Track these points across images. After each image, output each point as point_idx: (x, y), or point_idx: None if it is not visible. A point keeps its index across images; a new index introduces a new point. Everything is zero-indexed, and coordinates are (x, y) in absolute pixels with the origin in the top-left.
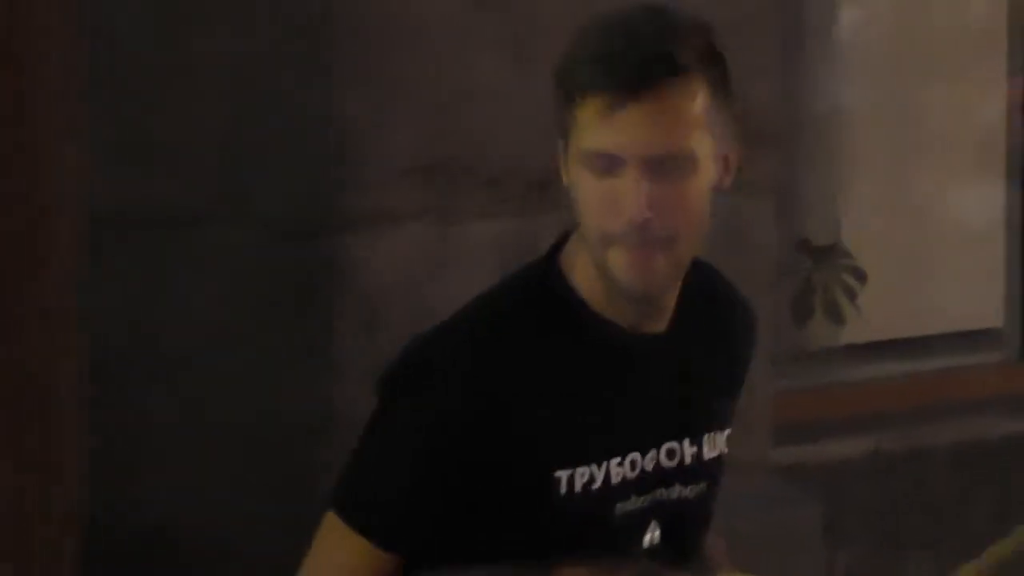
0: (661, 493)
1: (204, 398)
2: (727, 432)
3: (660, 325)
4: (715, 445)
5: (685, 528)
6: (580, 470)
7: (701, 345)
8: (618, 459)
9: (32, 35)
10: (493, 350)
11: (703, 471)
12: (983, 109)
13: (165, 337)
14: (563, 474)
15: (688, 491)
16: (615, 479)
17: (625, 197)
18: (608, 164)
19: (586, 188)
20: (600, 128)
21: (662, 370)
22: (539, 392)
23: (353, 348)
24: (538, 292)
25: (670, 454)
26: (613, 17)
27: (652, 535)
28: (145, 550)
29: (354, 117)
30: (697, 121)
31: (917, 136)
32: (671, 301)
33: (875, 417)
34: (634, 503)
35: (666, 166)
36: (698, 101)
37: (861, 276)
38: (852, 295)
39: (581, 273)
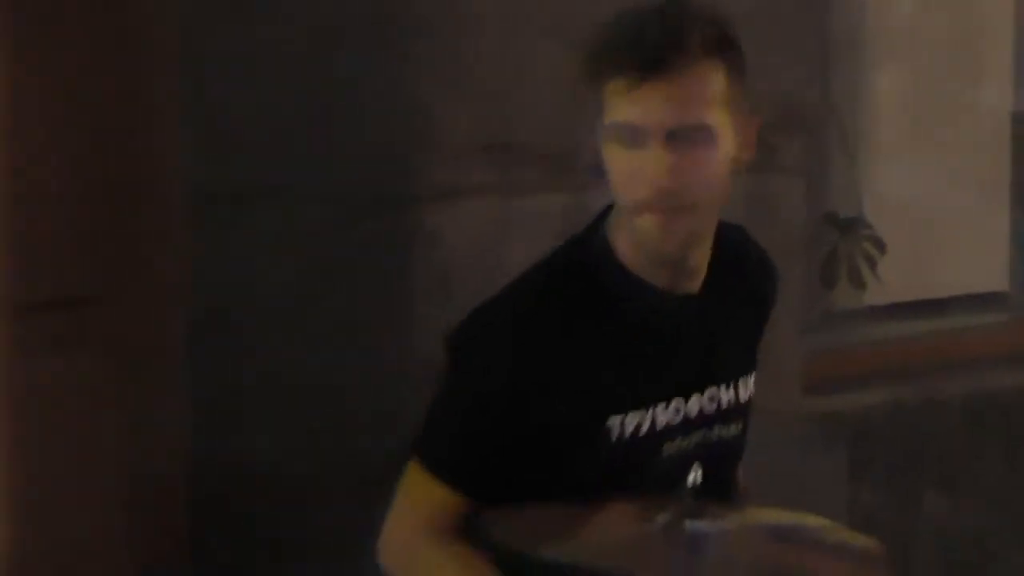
0: (703, 434)
1: (298, 353)
2: (754, 374)
3: (695, 285)
4: (747, 388)
5: (722, 465)
6: (629, 417)
7: (732, 301)
8: (664, 405)
9: (140, 35)
10: (545, 313)
11: (738, 412)
12: (990, 92)
13: (264, 299)
14: (615, 421)
15: (726, 431)
16: (661, 424)
17: (649, 167)
18: (633, 137)
19: (616, 159)
20: (626, 104)
21: (698, 325)
22: (588, 348)
23: (429, 307)
24: (585, 260)
25: (711, 399)
26: (639, 9)
27: (695, 475)
28: (243, 491)
29: (427, 103)
30: (713, 98)
31: (931, 118)
32: (703, 264)
33: (894, 371)
34: (679, 444)
35: (685, 138)
36: (713, 81)
37: (881, 245)
38: (872, 262)
39: (623, 241)
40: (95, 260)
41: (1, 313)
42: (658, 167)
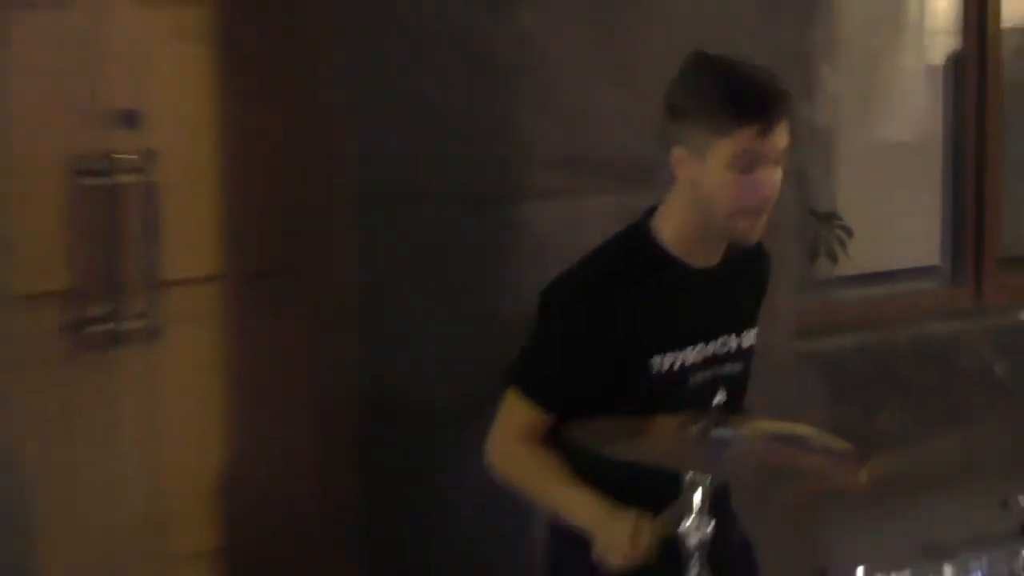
0: (718, 369)
1: (433, 310)
2: (756, 329)
3: (714, 262)
4: (749, 338)
5: (731, 392)
6: (667, 356)
7: (738, 274)
8: (691, 348)
9: (329, 74)
10: (606, 282)
11: (743, 355)
12: (927, 122)
13: (410, 273)
14: (657, 359)
15: (735, 368)
16: (688, 362)
17: (761, 184)
18: (752, 163)
19: (729, 181)
20: (757, 141)
21: (715, 291)
22: (636, 306)
23: (523, 278)
24: (635, 244)
25: (723, 344)
26: (733, 71)
27: (719, 397)
28: (398, 409)
29: (524, 127)
30: (790, 131)
31: (884, 138)
32: (723, 248)
33: (859, 322)
34: (701, 376)
35: (779, 161)
36: (789, 120)
37: (849, 232)
38: (843, 244)
39: (666, 231)
40: (291, 241)
41: (228, 281)
42: (767, 183)
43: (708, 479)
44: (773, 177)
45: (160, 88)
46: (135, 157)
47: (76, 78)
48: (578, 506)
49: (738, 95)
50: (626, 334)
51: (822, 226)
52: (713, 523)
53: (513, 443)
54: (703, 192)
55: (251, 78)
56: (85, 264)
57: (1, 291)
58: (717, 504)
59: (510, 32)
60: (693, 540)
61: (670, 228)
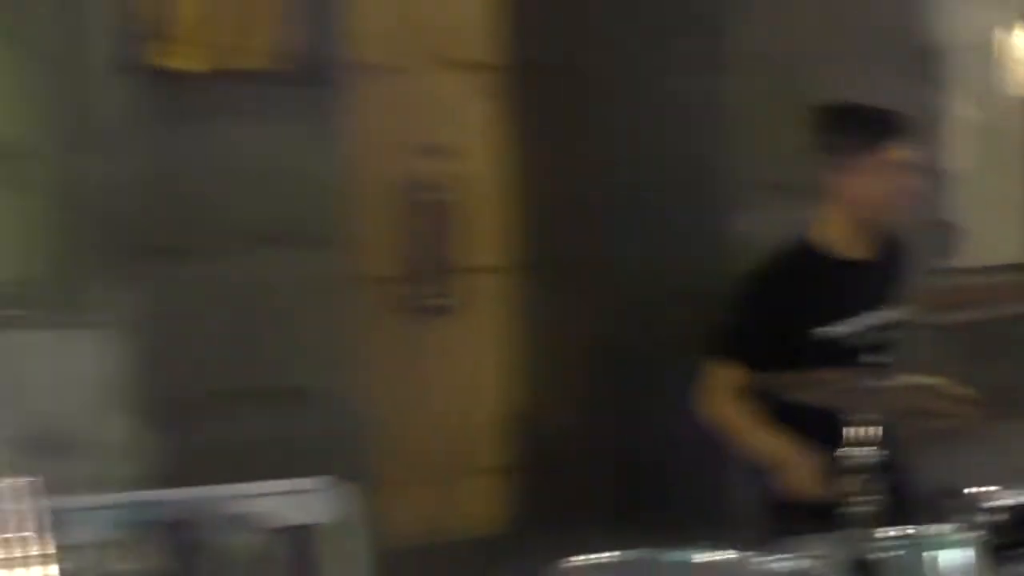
0: (868, 337)
1: (668, 291)
2: (901, 306)
3: (863, 255)
4: (891, 315)
5: (883, 353)
6: (827, 329)
7: (883, 264)
8: (847, 321)
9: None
10: (783, 274)
11: (890, 326)
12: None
13: (647, 264)
14: (819, 331)
15: (883, 336)
16: (843, 333)
17: (909, 185)
18: (899, 172)
19: (883, 184)
20: (899, 155)
21: (865, 278)
22: (806, 293)
23: (728, 267)
24: (803, 245)
25: (873, 317)
26: (868, 109)
27: (873, 356)
28: (638, 363)
29: (731, 159)
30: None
31: (990, 161)
32: (871, 244)
33: (970, 302)
34: (852, 343)
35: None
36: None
37: (963, 235)
38: (959, 244)
39: (826, 234)
40: (559, 240)
41: (514, 269)
42: (913, 183)
43: (865, 418)
44: (915, 180)
45: (466, 130)
46: (445, 180)
47: (403, 123)
48: (770, 447)
49: (883, 123)
50: (798, 314)
51: (945, 230)
52: (875, 452)
53: (719, 397)
54: (866, 199)
55: (533, 124)
56: (411, 256)
57: (357, 274)
58: (882, 439)
59: (712, 92)
60: (856, 464)
61: (829, 232)
